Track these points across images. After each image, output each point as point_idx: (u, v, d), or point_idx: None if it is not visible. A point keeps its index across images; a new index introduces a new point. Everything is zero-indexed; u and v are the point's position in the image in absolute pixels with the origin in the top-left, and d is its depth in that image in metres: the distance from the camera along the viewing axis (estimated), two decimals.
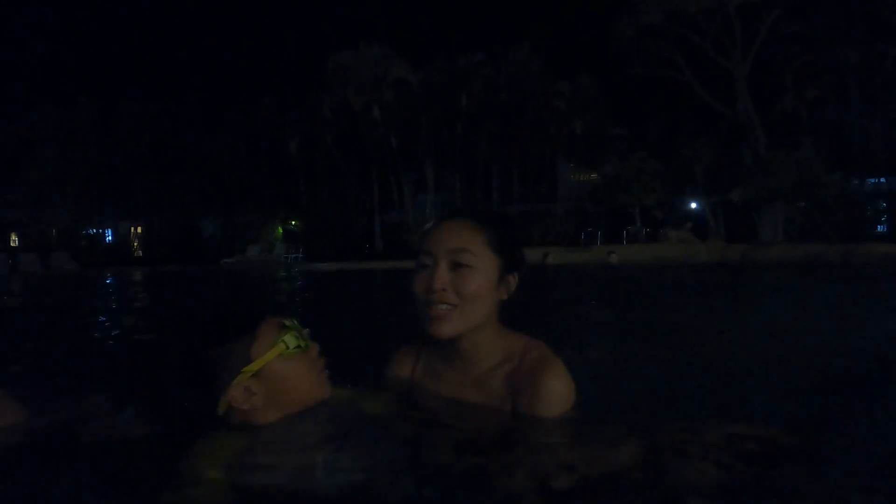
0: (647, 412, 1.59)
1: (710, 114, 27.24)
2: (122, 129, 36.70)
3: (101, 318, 5.44)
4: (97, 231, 40.40)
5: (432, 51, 32.54)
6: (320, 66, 31.90)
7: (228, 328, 1.18)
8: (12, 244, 38.92)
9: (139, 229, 40.39)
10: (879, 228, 25.13)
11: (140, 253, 38.80)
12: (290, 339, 1.18)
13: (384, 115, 30.95)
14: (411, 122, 31.61)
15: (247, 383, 1.14)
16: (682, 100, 27.94)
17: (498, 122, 31.08)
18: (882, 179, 26.67)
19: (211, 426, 1.16)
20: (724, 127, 26.99)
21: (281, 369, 1.17)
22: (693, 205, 29.66)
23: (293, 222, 35.59)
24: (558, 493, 1.02)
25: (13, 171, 35.98)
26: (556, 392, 1.20)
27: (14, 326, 5.01)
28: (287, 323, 1.20)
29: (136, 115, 36.73)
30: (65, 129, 36.50)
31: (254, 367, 1.14)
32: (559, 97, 30.90)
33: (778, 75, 26.56)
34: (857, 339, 2.97)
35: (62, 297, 9.15)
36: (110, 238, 41.12)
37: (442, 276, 1.19)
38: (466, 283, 1.19)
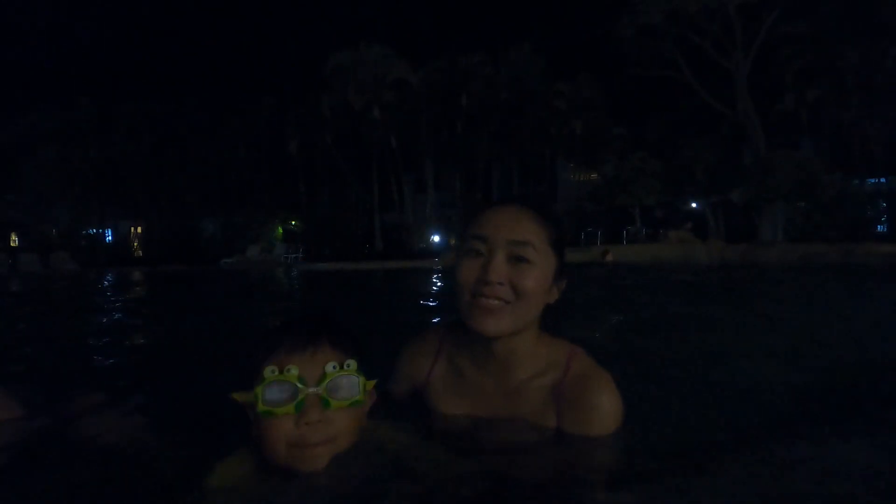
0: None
1: (710, 114, 27.26)
2: (122, 129, 36.71)
3: (100, 318, 5.44)
4: (97, 231, 40.39)
5: (432, 51, 32.74)
6: (320, 66, 31.92)
7: (258, 345, 1.03)
8: (12, 244, 38.92)
9: (139, 229, 40.40)
10: (879, 228, 25.12)
11: (140, 253, 38.82)
12: (252, 397, 0.96)
13: (384, 115, 30.95)
14: (411, 122, 31.61)
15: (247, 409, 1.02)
16: (682, 100, 27.95)
17: (498, 122, 31.08)
18: (882, 179, 26.66)
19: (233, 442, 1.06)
20: (724, 127, 27.02)
21: (257, 418, 0.98)
22: (693, 205, 29.67)
23: (293, 222, 35.60)
24: None
25: (13, 171, 35.98)
26: (605, 409, 1.09)
27: (14, 326, 5.01)
28: (266, 374, 0.95)
29: (136, 115, 36.75)
30: (65, 129, 36.49)
31: (236, 397, 1.00)
32: (559, 97, 30.91)
33: (778, 75, 26.57)
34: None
35: (62, 296, 9.15)
36: (110, 238, 41.13)
37: (500, 268, 1.05)
38: (526, 280, 1.06)
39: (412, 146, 32.38)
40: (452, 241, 32.53)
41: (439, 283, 9.27)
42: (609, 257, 16.31)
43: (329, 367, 0.97)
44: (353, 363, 1.00)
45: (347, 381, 0.99)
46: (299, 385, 0.95)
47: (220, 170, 36.79)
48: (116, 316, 5.64)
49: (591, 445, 1.09)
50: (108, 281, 13.74)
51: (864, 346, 2.77)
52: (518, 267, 1.06)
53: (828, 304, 5.29)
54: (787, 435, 1.43)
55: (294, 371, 0.95)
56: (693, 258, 16.77)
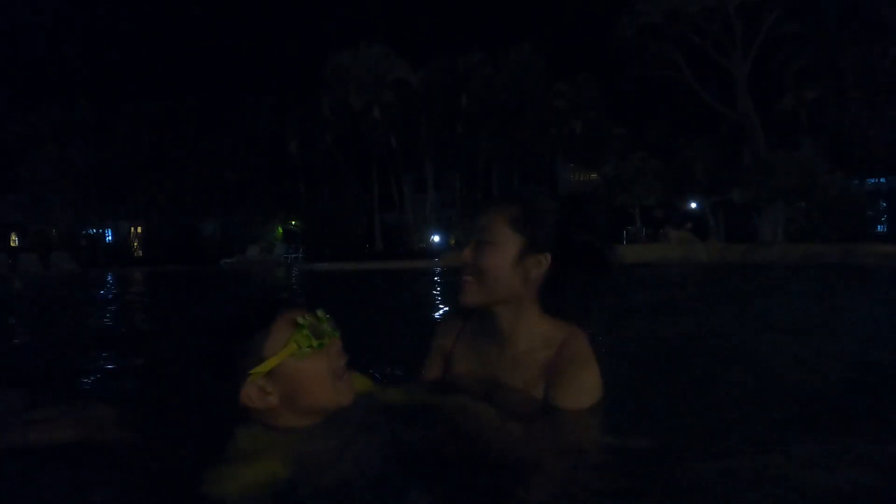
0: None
1: (710, 114, 27.23)
2: (122, 129, 36.71)
3: (100, 319, 5.44)
4: (97, 231, 40.41)
5: (432, 51, 32.57)
6: (320, 66, 31.91)
7: (248, 322, 1.15)
8: (12, 244, 38.92)
9: (139, 229, 40.40)
10: (879, 228, 25.11)
11: (140, 253, 38.81)
12: (301, 339, 1.13)
13: (384, 115, 30.94)
14: (411, 122, 31.60)
15: (260, 383, 1.12)
16: (682, 100, 27.93)
17: (498, 122, 31.06)
18: (882, 179, 26.66)
19: (232, 424, 1.14)
20: (724, 127, 26.99)
21: (294, 369, 1.13)
22: (693, 205, 29.66)
23: (293, 222, 35.60)
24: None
25: (13, 171, 35.98)
26: (584, 387, 1.27)
27: (13, 326, 5.01)
28: (300, 320, 1.14)
29: (135, 115, 36.74)
30: (65, 129, 36.49)
31: (264, 367, 1.11)
32: (559, 97, 30.89)
33: (778, 75, 26.55)
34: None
35: (62, 297, 9.15)
36: (110, 238, 41.14)
37: (466, 253, 1.32)
38: (481, 258, 1.29)
39: (412, 146, 32.37)
40: (452, 241, 32.52)
41: (439, 283, 9.27)
42: None
43: (319, 313, 1.18)
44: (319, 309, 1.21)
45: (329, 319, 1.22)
46: (325, 325, 1.17)
47: (220, 170, 36.79)
48: (116, 316, 5.64)
49: (568, 417, 1.25)
50: (108, 281, 13.74)
51: (860, 345, 2.77)
52: (479, 249, 1.30)
53: (826, 303, 5.29)
54: (777, 431, 1.43)
55: (320, 313, 1.18)
56: (693, 258, 16.76)
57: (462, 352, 1.44)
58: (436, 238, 32.95)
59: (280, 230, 35.50)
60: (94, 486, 1.13)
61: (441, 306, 5.56)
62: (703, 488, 1.08)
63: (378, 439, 1.16)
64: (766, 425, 1.51)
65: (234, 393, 1.11)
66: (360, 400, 1.23)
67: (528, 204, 1.31)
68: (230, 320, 1.18)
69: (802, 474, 1.15)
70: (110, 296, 8.81)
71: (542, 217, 1.30)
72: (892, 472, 1.17)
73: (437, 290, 7.96)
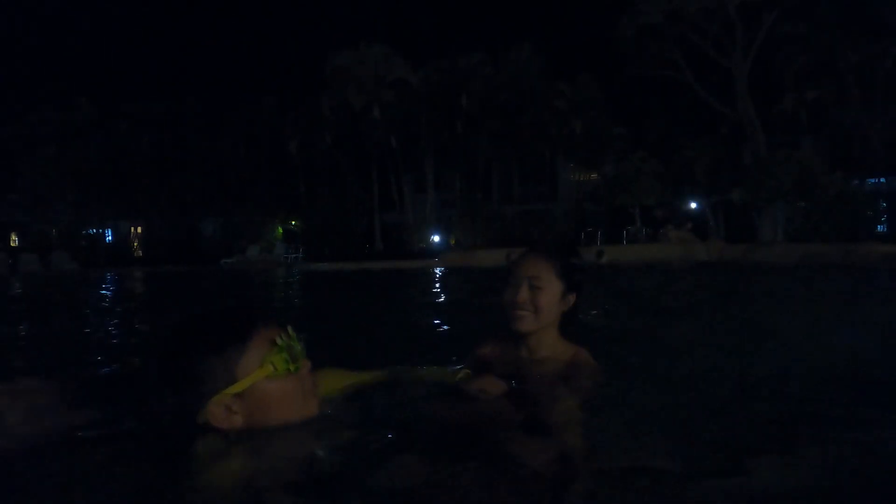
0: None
1: (710, 114, 27.22)
2: (122, 129, 36.68)
3: (100, 319, 5.44)
4: (97, 231, 40.37)
5: (432, 51, 32.56)
6: (320, 66, 31.88)
7: (222, 335, 1.10)
8: (12, 244, 38.91)
9: (139, 229, 40.38)
10: (879, 228, 25.09)
11: (140, 253, 38.80)
12: (278, 361, 1.11)
13: (384, 115, 30.91)
14: (411, 122, 31.57)
15: (227, 402, 1.07)
16: (682, 100, 27.91)
17: (498, 122, 31.04)
18: (882, 179, 26.63)
19: (201, 431, 1.10)
20: (724, 127, 26.98)
21: (266, 390, 1.10)
22: (693, 205, 29.65)
23: (293, 222, 35.58)
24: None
25: (13, 171, 35.95)
26: (591, 381, 1.66)
27: (13, 326, 5.00)
28: (278, 341, 1.12)
29: (136, 115, 36.71)
30: (65, 130, 36.46)
31: (236, 388, 1.07)
32: (559, 97, 30.85)
33: (778, 75, 26.53)
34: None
35: (62, 297, 9.14)
36: (110, 238, 41.11)
37: (523, 293, 1.71)
38: (538, 298, 1.71)
39: (412, 146, 32.34)
40: (452, 241, 32.50)
41: (439, 283, 9.28)
42: (604, 258, 16.21)
43: (290, 331, 1.18)
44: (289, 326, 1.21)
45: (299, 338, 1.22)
46: (297, 346, 1.17)
47: (220, 169, 36.76)
48: (116, 316, 5.64)
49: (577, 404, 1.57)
50: (108, 281, 13.73)
51: (858, 345, 2.76)
52: (534, 291, 1.71)
53: (824, 303, 5.28)
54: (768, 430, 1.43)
55: (290, 330, 1.17)
56: (693, 258, 16.76)
57: (498, 357, 1.84)
58: (436, 238, 32.94)
59: (280, 230, 35.49)
60: (90, 489, 1.12)
61: (437, 305, 5.56)
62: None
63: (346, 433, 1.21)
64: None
65: (194, 409, 1.07)
66: (329, 402, 1.26)
67: (567, 257, 1.76)
68: (203, 330, 1.12)
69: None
70: (109, 296, 8.81)
71: (572, 267, 1.76)
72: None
73: (436, 289, 7.95)
